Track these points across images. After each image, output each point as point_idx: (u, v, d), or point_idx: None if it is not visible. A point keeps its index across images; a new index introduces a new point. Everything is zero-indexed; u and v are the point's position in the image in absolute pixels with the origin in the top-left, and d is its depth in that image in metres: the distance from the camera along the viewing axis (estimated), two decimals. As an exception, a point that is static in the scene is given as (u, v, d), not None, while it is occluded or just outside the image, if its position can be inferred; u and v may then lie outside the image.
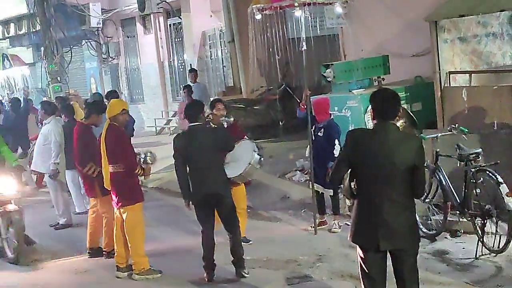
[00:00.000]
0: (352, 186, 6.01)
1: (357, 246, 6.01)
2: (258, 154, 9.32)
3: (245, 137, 9.93)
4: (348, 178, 6.04)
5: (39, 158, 12.73)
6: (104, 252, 9.98)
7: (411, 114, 7.85)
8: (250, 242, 9.74)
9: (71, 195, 13.07)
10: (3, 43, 31.92)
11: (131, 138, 14.51)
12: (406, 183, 5.78)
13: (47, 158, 12.39)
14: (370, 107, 6.03)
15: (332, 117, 10.63)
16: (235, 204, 8.85)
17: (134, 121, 15.27)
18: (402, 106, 7.52)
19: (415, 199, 6.02)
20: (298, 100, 12.56)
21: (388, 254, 5.92)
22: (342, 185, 6.28)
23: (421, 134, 9.69)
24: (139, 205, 9.07)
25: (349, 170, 5.98)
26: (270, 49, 18.10)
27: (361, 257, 5.99)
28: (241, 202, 9.61)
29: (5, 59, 30.54)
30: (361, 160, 5.86)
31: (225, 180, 8.71)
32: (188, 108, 8.85)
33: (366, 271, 5.97)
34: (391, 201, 5.78)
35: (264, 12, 11.70)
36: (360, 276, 6.08)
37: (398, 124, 6.75)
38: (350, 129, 6.47)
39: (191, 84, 17.54)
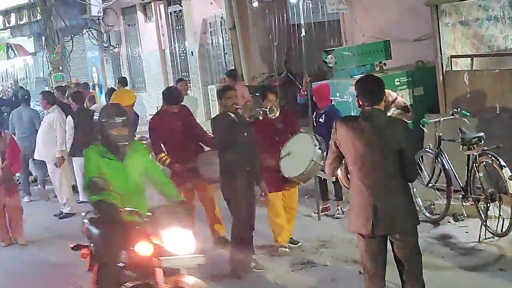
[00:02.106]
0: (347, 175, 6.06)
1: (356, 233, 6.04)
2: (319, 148, 8.48)
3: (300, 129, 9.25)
4: (343, 167, 6.08)
5: (42, 147, 12.74)
6: None
7: (404, 101, 7.83)
8: (299, 243, 9.16)
9: (77, 183, 13.13)
10: (4, 33, 31.89)
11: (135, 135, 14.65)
12: (396, 166, 5.79)
13: (51, 146, 12.42)
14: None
15: (333, 103, 10.63)
16: (286, 204, 8.98)
17: (138, 117, 15.26)
18: (395, 93, 7.57)
19: (410, 183, 6.07)
20: (300, 86, 12.52)
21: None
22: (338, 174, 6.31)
23: (424, 119, 9.70)
24: None
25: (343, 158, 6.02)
26: (271, 36, 18.14)
27: (360, 244, 6.02)
28: (293, 202, 9.22)
29: (9, 49, 30.55)
30: (350, 146, 5.89)
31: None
32: None
33: (366, 257, 6.00)
34: (382, 185, 5.81)
35: (263, -1, 11.60)
36: (361, 263, 6.12)
37: (391, 111, 6.81)
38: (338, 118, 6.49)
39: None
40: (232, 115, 8.30)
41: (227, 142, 8.21)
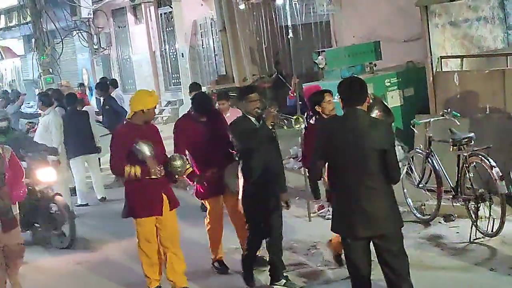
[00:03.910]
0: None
1: (339, 236, 6.04)
2: (402, 147, 8.27)
3: None
4: (326, 173, 6.08)
5: None
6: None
7: (385, 103, 7.79)
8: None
9: (75, 186, 13.19)
10: (-7, 35, 31.85)
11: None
12: (379, 168, 5.77)
13: None
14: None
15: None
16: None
17: (126, 112, 15.26)
18: (377, 96, 7.57)
19: (394, 184, 6.01)
20: (291, 88, 12.54)
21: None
22: (322, 178, 6.31)
23: (414, 119, 9.72)
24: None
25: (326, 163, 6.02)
26: (262, 37, 18.15)
27: (343, 247, 6.02)
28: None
29: (-3, 51, 30.52)
30: (333, 148, 5.89)
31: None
32: None
33: (350, 260, 5.99)
34: (365, 187, 5.78)
35: (250, 0, 11.52)
36: (346, 265, 6.12)
37: (373, 114, 6.81)
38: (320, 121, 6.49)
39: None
40: (253, 119, 7.81)
41: (249, 149, 7.65)
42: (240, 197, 7.79)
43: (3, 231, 7.83)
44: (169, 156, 7.93)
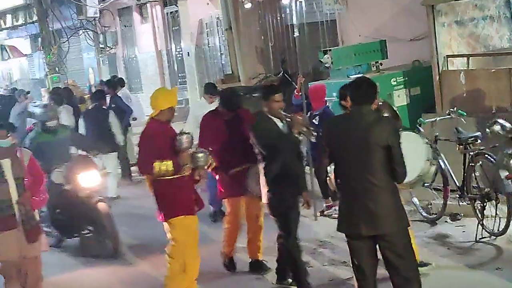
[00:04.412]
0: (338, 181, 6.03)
1: (345, 236, 6.04)
2: (431, 146, 7.67)
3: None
4: (333, 173, 6.08)
5: None
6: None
7: (393, 107, 7.75)
8: (432, 264, 7.83)
9: None
10: (0, 35, 31.88)
11: (128, 128, 14.66)
12: (384, 166, 5.76)
13: None
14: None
15: (327, 104, 10.59)
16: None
17: (132, 111, 15.33)
18: (386, 100, 7.55)
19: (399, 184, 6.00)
20: (297, 87, 12.53)
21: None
22: (328, 178, 6.30)
23: (420, 118, 9.71)
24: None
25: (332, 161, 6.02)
26: (268, 36, 18.14)
27: (349, 247, 6.01)
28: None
29: (4, 50, 30.52)
30: (338, 146, 5.92)
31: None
32: None
33: (355, 261, 5.98)
34: (370, 184, 5.77)
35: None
36: (351, 265, 6.11)
37: None
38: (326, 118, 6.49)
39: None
40: (276, 119, 7.62)
41: (273, 150, 7.43)
42: (265, 201, 7.64)
43: (28, 241, 7.45)
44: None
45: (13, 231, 7.40)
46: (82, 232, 10.19)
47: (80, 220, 10.04)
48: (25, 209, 7.46)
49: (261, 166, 7.63)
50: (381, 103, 7.14)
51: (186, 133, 7.56)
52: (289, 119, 7.55)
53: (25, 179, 7.55)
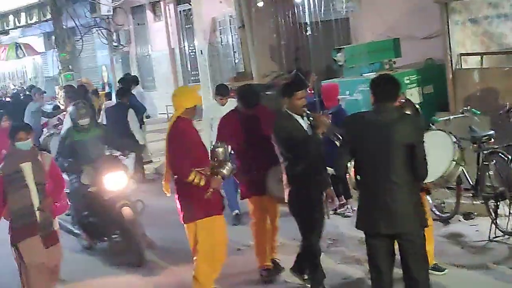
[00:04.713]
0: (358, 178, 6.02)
1: (364, 233, 6.03)
2: (458, 146, 7.39)
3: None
4: (353, 170, 6.06)
5: None
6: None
7: (417, 107, 7.67)
8: (445, 271, 7.72)
9: None
10: (14, 32, 32.03)
11: (141, 126, 14.64)
12: (406, 164, 5.73)
13: None
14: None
15: (340, 103, 10.57)
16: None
17: (145, 109, 15.37)
18: (407, 98, 7.51)
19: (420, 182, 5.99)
20: (310, 85, 12.52)
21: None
22: (348, 174, 6.28)
23: (433, 117, 9.68)
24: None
25: (352, 158, 6.00)
26: (281, 34, 18.12)
27: (366, 245, 6.00)
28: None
29: (19, 48, 30.68)
30: (360, 142, 5.88)
31: None
32: None
33: (372, 259, 5.96)
34: (391, 182, 5.74)
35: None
36: (368, 262, 6.09)
37: None
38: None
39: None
40: (297, 117, 7.40)
41: (298, 151, 7.18)
42: (287, 201, 7.47)
43: (45, 245, 7.33)
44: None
45: (35, 237, 7.28)
46: (111, 235, 9.83)
47: (106, 224, 9.65)
48: (45, 215, 7.31)
49: (282, 166, 7.44)
50: (403, 100, 7.11)
51: (220, 145, 7.51)
52: (313, 119, 7.34)
53: (46, 184, 7.36)
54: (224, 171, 7.49)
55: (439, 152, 7.18)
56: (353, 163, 6.11)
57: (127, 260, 9.43)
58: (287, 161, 7.33)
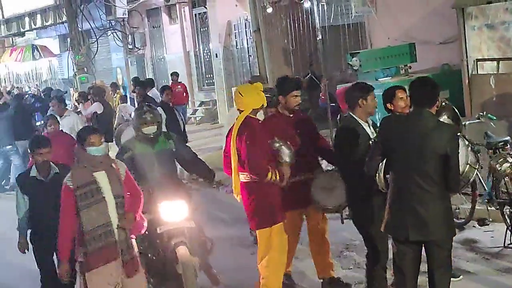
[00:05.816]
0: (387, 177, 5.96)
1: (391, 238, 5.99)
2: (472, 149, 6.97)
3: None
4: (382, 170, 6.00)
5: None
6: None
7: (455, 109, 7.52)
8: (460, 277, 7.57)
9: None
10: (30, 34, 32.17)
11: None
12: (438, 172, 5.64)
13: None
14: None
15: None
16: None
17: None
18: (448, 102, 7.37)
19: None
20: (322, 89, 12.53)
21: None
22: (377, 175, 6.22)
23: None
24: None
25: (384, 159, 5.95)
26: (295, 39, 18.14)
27: (393, 250, 5.95)
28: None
29: (35, 50, 30.82)
30: (393, 146, 5.81)
31: None
32: None
33: (397, 264, 5.91)
34: (422, 190, 5.66)
35: (281, 2, 11.31)
36: (393, 267, 6.04)
37: (441, 119, 6.60)
38: (384, 116, 6.37)
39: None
40: (363, 123, 6.87)
41: (362, 157, 6.41)
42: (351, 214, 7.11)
43: (128, 274, 6.13)
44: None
45: (113, 263, 6.07)
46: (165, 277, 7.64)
47: (160, 262, 7.58)
48: (125, 234, 6.09)
49: (336, 175, 7.06)
50: (444, 104, 7.00)
51: (282, 142, 7.10)
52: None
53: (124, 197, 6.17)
54: (286, 158, 7.04)
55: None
56: (383, 164, 6.05)
57: None
58: (349, 170, 6.78)
